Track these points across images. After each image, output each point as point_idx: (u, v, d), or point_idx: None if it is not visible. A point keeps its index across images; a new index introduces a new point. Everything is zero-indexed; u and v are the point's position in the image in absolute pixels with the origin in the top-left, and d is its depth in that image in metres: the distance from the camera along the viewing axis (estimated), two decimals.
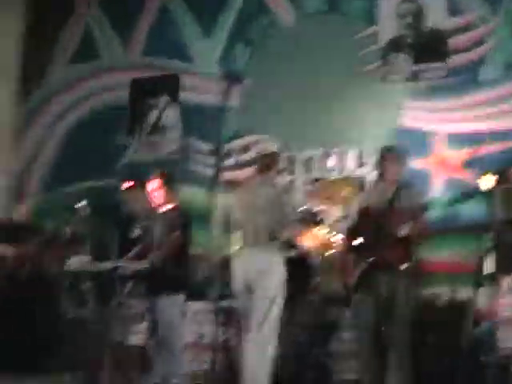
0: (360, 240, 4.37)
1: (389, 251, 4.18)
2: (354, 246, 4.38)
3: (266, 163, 4.80)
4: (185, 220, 5.01)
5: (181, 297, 4.89)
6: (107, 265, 4.66)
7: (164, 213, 4.99)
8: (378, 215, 4.28)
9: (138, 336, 5.03)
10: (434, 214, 6.09)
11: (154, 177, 5.05)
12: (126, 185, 5.53)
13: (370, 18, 6.88)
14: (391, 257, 4.18)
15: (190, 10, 7.51)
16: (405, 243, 4.21)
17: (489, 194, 5.19)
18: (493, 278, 4.83)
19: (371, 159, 6.54)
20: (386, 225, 4.21)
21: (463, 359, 4.60)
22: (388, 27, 6.78)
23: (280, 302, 4.45)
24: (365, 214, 4.38)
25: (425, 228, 4.33)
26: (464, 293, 5.16)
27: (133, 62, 7.71)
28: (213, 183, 6.26)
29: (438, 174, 6.39)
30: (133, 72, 7.65)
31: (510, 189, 4.99)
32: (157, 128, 7.37)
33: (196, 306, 5.46)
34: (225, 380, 5.09)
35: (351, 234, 4.49)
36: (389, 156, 4.53)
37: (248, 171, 6.85)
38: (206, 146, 7.03)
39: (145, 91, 7.46)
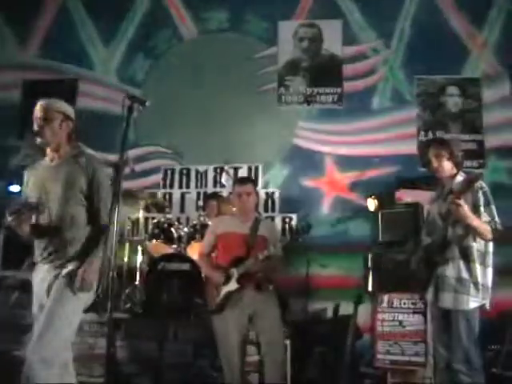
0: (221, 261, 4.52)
1: (257, 270, 4.32)
2: (217, 267, 4.49)
3: None
4: None
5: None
6: None
7: None
8: (243, 240, 4.40)
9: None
10: (322, 231, 6.49)
11: None
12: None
13: (270, 39, 7.11)
14: (258, 277, 4.33)
15: (89, 16, 7.37)
16: (267, 266, 4.34)
17: (373, 216, 5.55)
18: (373, 295, 5.15)
19: (264, 177, 6.79)
20: (250, 248, 4.35)
21: (345, 370, 4.87)
22: (286, 49, 7.04)
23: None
24: (227, 237, 4.49)
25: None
26: (348, 308, 5.38)
27: (28, 62, 7.43)
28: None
29: (329, 193, 6.69)
30: (28, 73, 7.36)
31: (391, 213, 5.33)
32: None
33: (86, 317, 5.33)
34: None
35: (208, 257, 4.61)
36: (242, 188, 4.57)
37: (142, 181, 6.88)
38: (100, 155, 6.90)
39: (38, 93, 7.17)
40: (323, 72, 6.93)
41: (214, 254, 4.63)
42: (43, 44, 7.45)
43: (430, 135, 6.63)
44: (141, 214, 5.96)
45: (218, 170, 6.83)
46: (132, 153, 6.92)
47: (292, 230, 4.65)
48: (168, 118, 6.90)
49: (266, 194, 6.70)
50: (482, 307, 3.77)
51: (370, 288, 5.15)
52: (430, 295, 3.88)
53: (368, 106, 6.80)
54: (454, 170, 3.97)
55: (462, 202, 3.61)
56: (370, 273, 5.18)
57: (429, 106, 6.75)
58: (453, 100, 6.73)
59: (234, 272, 4.34)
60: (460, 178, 3.93)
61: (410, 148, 6.54)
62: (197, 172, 6.89)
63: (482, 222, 3.67)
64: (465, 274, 3.73)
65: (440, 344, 3.89)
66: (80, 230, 3.36)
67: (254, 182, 5.01)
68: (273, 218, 6.56)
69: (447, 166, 3.97)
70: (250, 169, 6.78)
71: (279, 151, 6.81)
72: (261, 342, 4.42)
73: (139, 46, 7.30)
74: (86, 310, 5.25)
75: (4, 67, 7.40)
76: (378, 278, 5.12)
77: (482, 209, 3.74)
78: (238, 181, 5.03)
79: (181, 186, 6.89)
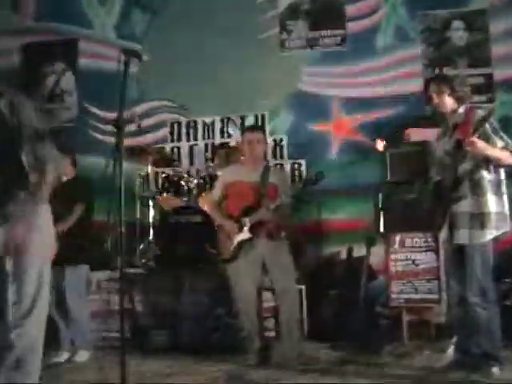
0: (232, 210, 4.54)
1: (266, 220, 4.37)
2: (229, 215, 4.53)
3: None
4: (86, 190, 4.97)
5: (84, 267, 4.90)
6: None
7: (63, 184, 4.90)
8: (253, 189, 4.43)
9: None
10: (332, 175, 6.48)
11: None
12: None
13: None
14: (269, 226, 4.39)
15: None
16: (278, 214, 4.38)
17: (381, 156, 5.52)
18: (385, 236, 5.17)
19: (271, 124, 6.75)
20: (263, 198, 4.38)
21: (360, 311, 4.94)
22: None
23: None
24: (237, 186, 4.53)
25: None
26: (361, 251, 5.42)
27: (25, 26, 7.34)
28: (116, 151, 6.27)
29: (337, 137, 6.64)
30: (26, 37, 7.28)
31: (400, 152, 5.29)
32: (53, 96, 7.13)
33: (101, 275, 5.44)
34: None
35: (218, 206, 4.66)
36: (251, 135, 4.61)
37: (150, 137, 6.88)
38: (104, 113, 6.92)
39: (39, 57, 7.16)
40: (325, 14, 6.77)
41: (224, 204, 4.67)
42: (38, 6, 7.32)
43: (437, 72, 6.52)
44: (150, 170, 5.98)
45: (225, 121, 6.80)
46: (138, 109, 6.92)
47: (303, 181, 4.61)
48: (171, 72, 6.79)
49: (274, 141, 6.66)
50: (500, 237, 3.78)
51: (381, 229, 5.15)
52: (444, 233, 3.89)
53: (372, 46, 6.65)
54: (456, 105, 3.93)
55: (474, 138, 3.58)
56: (381, 214, 5.18)
57: (434, 42, 6.58)
58: (458, 34, 6.57)
59: (246, 221, 4.38)
60: (461, 110, 3.89)
61: (417, 86, 6.41)
62: (204, 124, 6.85)
63: (499, 150, 3.66)
64: (479, 208, 3.73)
65: (454, 280, 3.92)
66: None
67: (263, 130, 4.99)
68: (282, 165, 6.55)
69: (449, 102, 3.93)
70: (256, 117, 6.74)
71: (285, 97, 6.73)
72: (274, 288, 4.49)
73: (136, 1, 7.16)
74: (100, 268, 5.40)
75: (2, 33, 7.31)
76: (389, 219, 5.11)
77: (493, 137, 3.71)
78: (248, 128, 5.05)
79: (188, 139, 6.87)
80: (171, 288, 5.25)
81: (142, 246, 5.79)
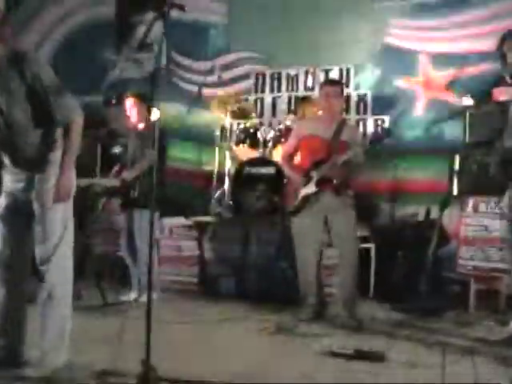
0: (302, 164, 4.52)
1: (335, 175, 4.30)
2: (298, 169, 4.52)
3: None
4: (159, 138, 5.10)
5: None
6: (82, 182, 4.81)
7: (138, 131, 5.10)
8: (325, 144, 4.35)
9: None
10: (416, 133, 6.28)
11: (129, 96, 5.14)
12: (107, 102, 5.56)
13: None
14: (335, 180, 4.31)
15: None
16: (346, 170, 4.31)
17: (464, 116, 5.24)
18: (459, 199, 4.97)
19: (356, 78, 6.58)
20: (332, 153, 4.29)
21: (428, 274, 4.82)
22: None
23: None
24: (310, 140, 4.46)
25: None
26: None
27: None
28: (195, 100, 6.43)
29: (423, 94, 6.37)
30: None
31: (479, 113, 5.00)
32: (143, 44, 7.30)
33: (173, 221, 5.65)
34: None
35: (290, 158, 4.63)
36: (330, 89, 4.47)
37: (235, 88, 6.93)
38: (191, 63, 7.05)
39: (131, 7, 7.35)
40: None
41: (297, 157, 4.67)
42: None
43: None
44: (227, 120, 6.05)
45: (309, 73, 6.70)
46: (224, 58, 6.99)
47: (369, 138, 4.49)
48: (258, 22, 6.79)
49: (358, 96, 6.50)
50: None
51: (455, 192, 4.95)
52: (506, 200, 3.70)
53: None
54: None
55: None
56: (455, 176, 4.97)
57: None
58: None
59: (314, 175, 4.36)
60: None
61: None
62: (288, 75, 6.80)
63: None
64: None
65: None
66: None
67: (342, 84, 4.86)
68: (365, 120, 6.41)
69: None
70: (340, 70, 6.58)
71: (371, 51, 6.51)
72: (335, 245, 4.47)
73: None
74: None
75: None
76: (464, 182, 4.90)
77: None
78: (327, 82, 4.96)
79: (272, 90, 6.86)
80: (240, 238, 5.37)
81: (216, 196, 5.93)
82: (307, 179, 4.38)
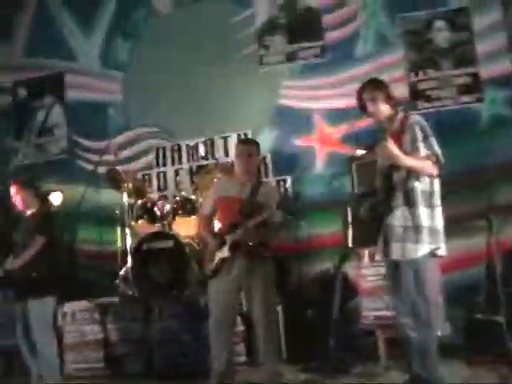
0: (219, 226, 4.44)
1: (248, 238, 4.19)
2: (213, 232, 4.44)
3: None
4: (47, 223, 4.97)
5: (50, 299, 4.89)
6: None
7: (26, 218, 4.97)
8: (241, 205, 4.25)
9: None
10: (318, 189, 6.34)
11: (12, 183, 5.03)
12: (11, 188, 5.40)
13: (246, 1, 6.89)
14: (251, 245, 4.21)
15: (66, 6, 7.42)
16: (261, 233, 4.22)
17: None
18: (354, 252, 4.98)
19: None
20: (248, 215, 4.20)
21: (336, 329, 4.76)
22: (262, 9, 6.81)
23: None
24: (225, 201, 4.37)
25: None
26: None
27: (14, 63, 7.57)
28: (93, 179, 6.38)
29: (321, 150, 6.49)
30: (16, 73, 7.51)
31: (364, 163, 5.08)
32: (44, 129, 7.30)
33: (75, 305, 5.48)
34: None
35: (207, 220, 4.53)
36: (243, 148, 4.44)
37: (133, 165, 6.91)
38: (92, 144, 7.03)
39: (29, 93, 7.36)
40: (302, 26, 6.66)
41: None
42: (27, 43, 7.53)
43: (421, 75, 6.30)
44: (125, 199, 5.98)
45: (208, 143, 6.75)
46: (124, 136, 7.00)
47: (279, 201, 4.41)
48: (154, 97, 6.87)
49: None
50: (435, 254, 3.55)
51: (349, 244, 4.95)
52: (379, 247, 3.69)
53: (352, 55, 6.48)
54: (391, 112, 3.73)
55: (388, 142, 3.42)
56: (349, 228, 4.98)
57: (416, 45, 6.35)
58: (441, 35, 6.32)
59: (228, 239, 4.26)
60: (398, 118, 3.71)
61: (401, 91, 6.19)
62: (187, 147, 6.83)
63: (420, 158, 3.46)
64: (410, 221, 3.52)
65: (393, 298, 3.71)
66: None
67: (256, 143, 4.63)
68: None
69: (384, 108, 3.73)
70: (239, 136, 6.65)
71: (266, 114, 6.64)
72: (251, 310, 4.32)
73: (118, 30, 7.25)
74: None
75: None
76: (356, 233, 4.91)
77: (420, 144, 3.51)
78: (239, 141, 4.93)
79: (173, 163, 6.86)
80: (142, 315, 5.23)
81: (121, 274, 5.79)
82: (222, 242, 4.26)
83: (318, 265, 6.01)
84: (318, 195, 6.33)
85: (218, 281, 4.25)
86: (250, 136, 6.61)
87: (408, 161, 3.44)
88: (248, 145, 4.50)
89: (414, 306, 3.46)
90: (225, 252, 4.23)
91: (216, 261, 4.25)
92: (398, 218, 3.53)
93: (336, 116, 6.42)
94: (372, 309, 4.78)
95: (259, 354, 4.28)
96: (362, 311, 4.85)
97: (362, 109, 3.87)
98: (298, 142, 6.53)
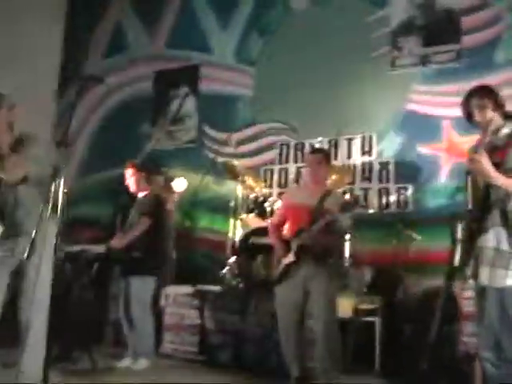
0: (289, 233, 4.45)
1: (313, 243, 4.19)
2: (283, 238, 4.46)
3: None
4: (155, 206, 5.20)
5: (150, 279, 5.12)
6: (75, 248, 4.99)
7: (138, 199, 5.25)
8: (309, 213, 4.27)
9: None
10: (438, 201, 6.01)
11: (128, 166, 5.32)
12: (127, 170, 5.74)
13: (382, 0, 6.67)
14: (316, 250, 4.20)
15: (208, 2, 7.70)
16: (326, 238, 4.20)
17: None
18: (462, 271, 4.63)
19: (377, 147, 6.43)
20: (313, 221, 4.20)
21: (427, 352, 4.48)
22: (399, 9, 6.54)
23: None
24: (295, 209, 4.43)
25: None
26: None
27: (157, 53, 8.01)
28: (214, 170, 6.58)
29: (447, 160, 6.12)
30: (157, 63, 7.96)
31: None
32: (177, 118, 7.63)
33: (177, 289, 5.68)
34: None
35: (277, 228, 4.59)
36: (312, 157, 4.56)
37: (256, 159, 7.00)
38: (217, 135, 7.23)
39: (167, 82, 7.74)
40: (439, 28, 6.30)
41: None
42: (169, 35, 7.95)
43: None
44: (240, 191, 6.10)
45: (332, 142, 6.64)
46: (249, 130, 7.12)
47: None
48: (283, 94, 6.89)
49: (380, 163, 6.35)
50: None
51: (456, 263, 4.62)
52: (469, 270, 3.41)
53: (491, 60, 6.01)
54: (501, 122, 3.42)
55: (480, 155, 3.14)
56: (458, 246, 4.65)
57: None
58: None
59: (293, 244, 4.29)
60: (506, 130, 3.39)
61: None
62: (311, 145, 6.78)
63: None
64: (505, 245, 3.21)
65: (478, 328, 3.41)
66: None
67: (326, 153, 4.86)
68: (387, 189, 6.22)
69: (493, 117, 3.43)
70: (363, 138, 6.48)
71: (393, 118, 6.39)
72: (313, 317, 4.28)
73: (254, 26, 7.37)
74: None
75: (138, 60, 8.05)
76: (465, 251, 4.56)
77: None
78: (311, 151, 4.99)
79: (296, 161, 6.85)
80: (239, 308, 5.29)
81: (229, 264, 5.90)
82: (288, 248, 4.30)
83: (425, 280, 5.68)
84: (438, 207, 5.98)
85: (284, 287, 4.29)
86: (374, 139, 6.43)
87: (502, 180, 3.13)
88: (317, 154, 4.65)
89: (498, 340, 3.15)
90: (290, 257, 4.28)
91: (281, 267, 4.31)
92: (492, 239, 3.24)
93: (467, 125, 6.00)
94: (472, 335, 4.43)
95: (316, 364, 4.24)
96: (461, 336, 4.51)
97: (469, 117, 3.59)
98: (424, 149, 6.21)
